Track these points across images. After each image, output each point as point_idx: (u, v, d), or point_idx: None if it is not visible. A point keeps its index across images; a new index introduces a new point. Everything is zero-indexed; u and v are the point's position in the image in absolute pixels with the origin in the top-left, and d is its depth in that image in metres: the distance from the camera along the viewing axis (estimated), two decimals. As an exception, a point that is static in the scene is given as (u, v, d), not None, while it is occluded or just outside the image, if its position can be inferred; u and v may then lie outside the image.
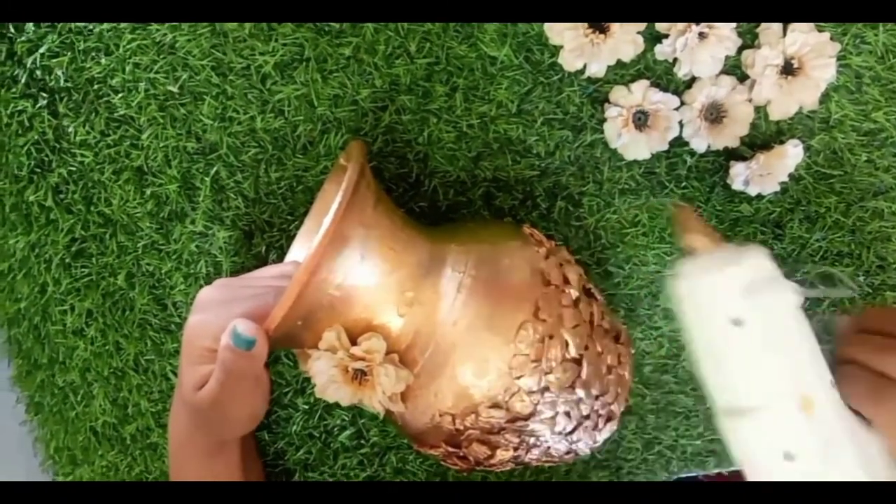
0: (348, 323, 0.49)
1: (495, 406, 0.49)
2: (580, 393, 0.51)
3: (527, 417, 0.50)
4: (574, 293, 0.52)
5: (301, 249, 0.60)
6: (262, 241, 0.62)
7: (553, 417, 0.50)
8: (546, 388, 0.50)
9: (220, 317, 0.49)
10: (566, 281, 0.52)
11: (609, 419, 0.54)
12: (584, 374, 0.51)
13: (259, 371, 0.49)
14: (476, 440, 0.51)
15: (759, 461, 0.41)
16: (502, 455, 0.51)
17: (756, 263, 0.42)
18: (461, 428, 0.50)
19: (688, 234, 0.45)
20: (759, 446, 0.41)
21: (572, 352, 0.50)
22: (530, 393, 0.49)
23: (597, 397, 0.52)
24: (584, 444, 0.53)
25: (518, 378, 0.49)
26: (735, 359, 0.41)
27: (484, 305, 0.49)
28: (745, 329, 0.41)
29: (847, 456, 0.41)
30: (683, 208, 0.46)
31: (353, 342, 0.49)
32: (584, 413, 0.52)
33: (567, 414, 0.51)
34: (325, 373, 0.49)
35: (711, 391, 0.43)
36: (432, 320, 0.49)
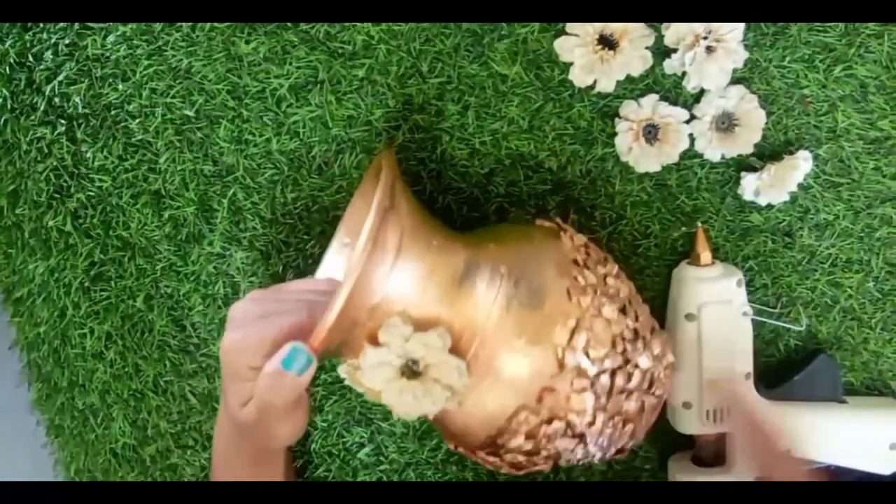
0: None
1: (534, 411, 0.50)
2: (629, 370, 0.52)
3: (568, 421, 0.51)
4: (622, 296, 0.53)
5: (333, 262, 0.60)
6: (280, 261, 0.62)
7: (593, 420, 0.51)
8: (599, 374, 0.50)
9: (259, 332, 0.48)
10: (605, 268, 0.53)
11: (654, 394, 0.54)
12: (625, 377, 0.51)
13: (298, 395, 0.48)
14: (528, 432, 0.51)
15: (672, 403, 0.62)
16: (540, 454, 0.52)
17: (726, 283, 0.59)
18: (513, 413, 0.50)
19: (696, 246, 0.60)
20: (674, 393, 0.61)
21: (618, 355, 0.51)
22: (576, 392, 0.50)
23: (637, 396, 0.53)
24: (635, 428, 0.54)
25: (569, 358, 0.49)
26: (682, 339, 0.60)
27: (524, 307, 0.50)
28: (692, 323, 0.59)
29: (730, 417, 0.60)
30: (699, 226, 0.61)
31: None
32: (626, 410, 0.53)
33: (609, 414, 0.52)
34: (381, 373, 0.48)
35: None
36: (473, 324, 0.49)
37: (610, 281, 0.53)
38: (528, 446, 0.51)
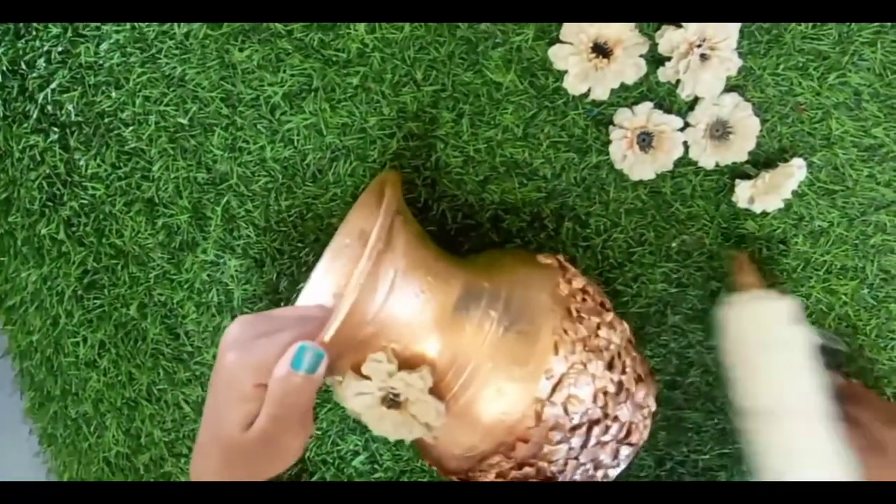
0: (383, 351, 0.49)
1: (506, 456, 0.50)
2: (608, 423, 0.51)
3: (539, 467, 0.51)
4: (612, 348, 0.53)
5: (331, 266, 0.60)
6: (274, 268, 0.62)
7: (578, 453, 0.51)
8: (576, 427, 0.50)
9: (261, 350, 0.47)
10: (599, 318, 0.53)
11: (629, 443, 0.54)
12: (602, 429, 0.51)
13: (313, 398, 0.48)
14: (498, 472, 0.51)
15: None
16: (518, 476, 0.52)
17: (790, 307, 0.56)
18: (486, 454, 0.50)
19: (742, 274, 0.58)
20: (768, 443, 0.55)
21: (597, 408, 0.51)
22: (550, 444, 0.50)
23: (622, 426, 0.53)
24: (607, 471, 0.54)
25: (547, 412, 0.49)
26: (760, 372, 0.56)
27: (510, 357, 0.50)
28: (771, 351, 0.55)
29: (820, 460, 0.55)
30: (741, 254, 0.60)
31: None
32: (606, 439, 0.52)
33: (581, 462, 0.52)
34: (361, 400, 0.49)
35: (741, 396, 0.57)
36: (466, 352, 0.50)
37: (602, 332, 0.52)
38: (498, 481, 0.51)
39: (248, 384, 0.47)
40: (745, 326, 0.57)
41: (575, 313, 0.52)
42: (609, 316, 0.54)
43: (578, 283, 0.54)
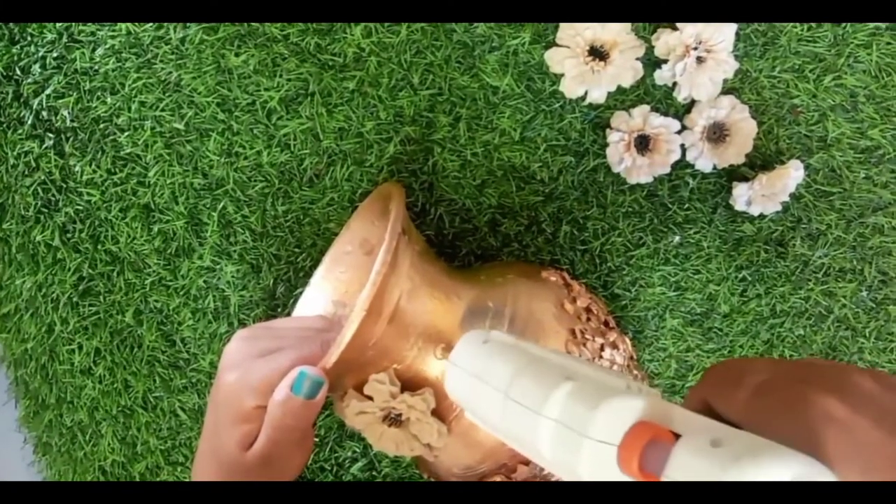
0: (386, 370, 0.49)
1: (507, 476, 0.50)
2: None
3: (551, 477, 0.50)
4: (615, 369, 0.52)
5: (330, 273, 0.59)
6: (270, 274, 0.62)
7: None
8: None
9: (264, 373, 0.47)
10: (603, 339, 0.52)
11: None
12: None
13: (312, 422, 0.48)
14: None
15: None
16: None
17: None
18: (486, 474, 0.50)
19: None
20: None
21: None
22: None
23: None
24: None
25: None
26: None
27: None
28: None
29: None
30: None
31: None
32: None
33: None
34: (363, 419, 0.48)
35: None
36: None
37: (605, 353, 0.52)
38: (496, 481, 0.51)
39: (248, 405, 0.47)
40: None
41: (579, 335, 0.51)
42: (612, 335, 0.54)
43: (583, 301, 0.54)
